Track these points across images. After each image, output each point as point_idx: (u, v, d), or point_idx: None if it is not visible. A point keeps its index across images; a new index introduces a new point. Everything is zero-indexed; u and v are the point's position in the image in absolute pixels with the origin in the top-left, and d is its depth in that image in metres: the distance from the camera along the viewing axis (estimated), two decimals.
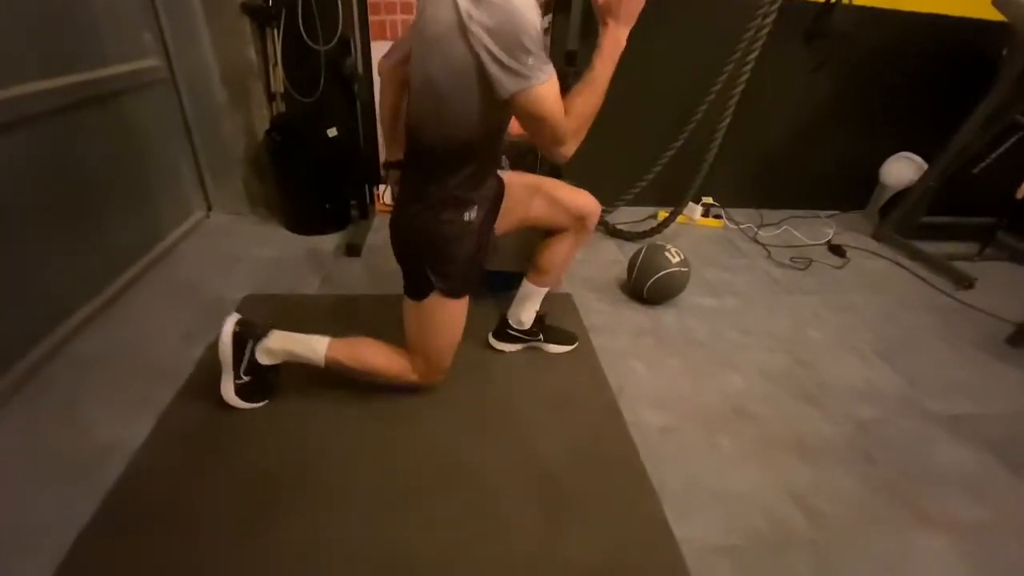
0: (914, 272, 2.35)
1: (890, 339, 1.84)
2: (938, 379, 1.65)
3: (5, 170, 1.29)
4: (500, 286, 1.75)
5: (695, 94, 2.23)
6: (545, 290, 1.52)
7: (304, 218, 2.18)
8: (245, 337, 1.25)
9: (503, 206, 1.29)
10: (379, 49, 2.21)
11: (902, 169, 2.72)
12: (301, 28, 1.90)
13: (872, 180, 2.85)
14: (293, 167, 2.08)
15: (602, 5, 1.01)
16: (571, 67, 2.03)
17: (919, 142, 2.67)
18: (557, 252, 1.44)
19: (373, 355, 1.31)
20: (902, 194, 2.67)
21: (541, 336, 1.58)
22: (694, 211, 2.65)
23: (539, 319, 1.56)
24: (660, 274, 1.80)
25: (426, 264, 1.18)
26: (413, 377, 1.33)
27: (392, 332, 1.32)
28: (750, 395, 1.51)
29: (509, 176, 1.34)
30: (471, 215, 1.15)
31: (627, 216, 2.56)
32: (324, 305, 1.77)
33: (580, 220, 1.38)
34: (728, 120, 2.15)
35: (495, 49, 0.89)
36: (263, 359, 1.26)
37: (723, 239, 2.54)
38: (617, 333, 1.74)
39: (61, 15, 1.49)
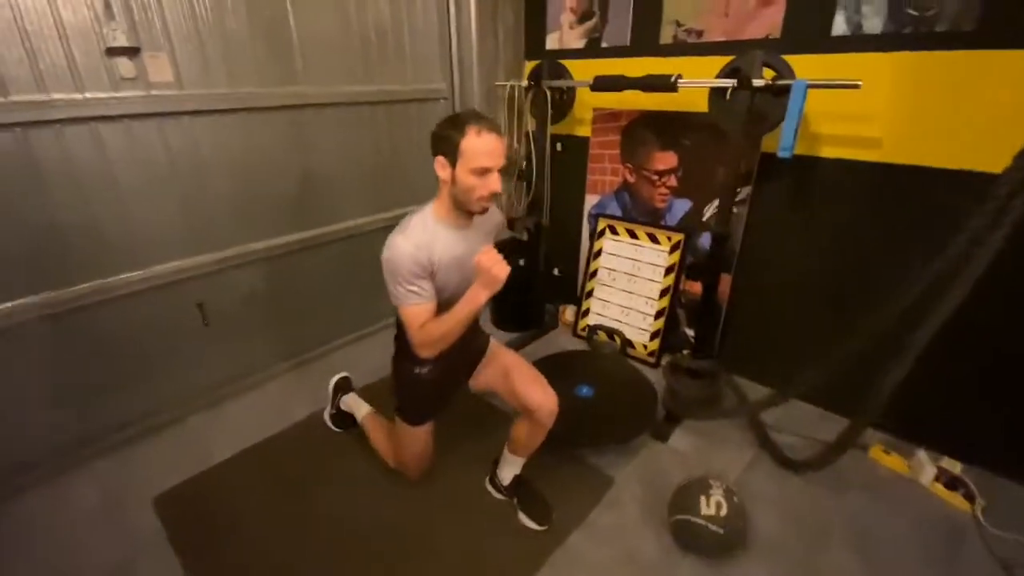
0: None
1: None
2: None
3: (336, 261, 2.46)
4: None
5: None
6: (520, 460, 1.64)
7: (502, 318, 2.83)
8: (338, 390, 2.03)
9: (483, 365, 1.60)
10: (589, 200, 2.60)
11: None
12: None
13: None
14: None
15: (476, 266, 1.23)
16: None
17: None
18: (518, 430, 1.59)
19: (380, 439, 1.80)
20: None
21: (515, 501, 1.67)
22: (921, 467, 1.76)
23: (520, 482, 1.67)
24: (678, 517, 1.50)
25: (394, 392, 1.65)
26: (394, 467, 1.76)
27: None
28: None
29: (497, 347, 1.61)
30: (421, 370, 1.54)
31: (805, 427, 1.99)
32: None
33: (528, 412, 1.48)
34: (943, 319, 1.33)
35: (385, 276, 1.35)
36: (343, 406, 1.99)
37: (952, 529, 1.62)
38: (608, 544, 1.59)
39: (401, 171, 2.59)
